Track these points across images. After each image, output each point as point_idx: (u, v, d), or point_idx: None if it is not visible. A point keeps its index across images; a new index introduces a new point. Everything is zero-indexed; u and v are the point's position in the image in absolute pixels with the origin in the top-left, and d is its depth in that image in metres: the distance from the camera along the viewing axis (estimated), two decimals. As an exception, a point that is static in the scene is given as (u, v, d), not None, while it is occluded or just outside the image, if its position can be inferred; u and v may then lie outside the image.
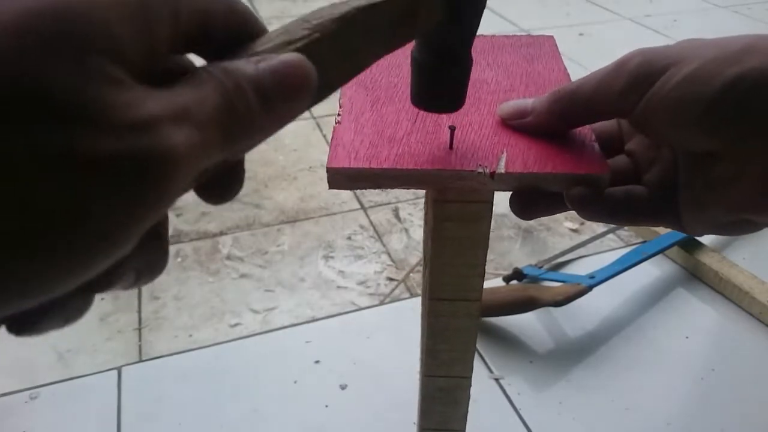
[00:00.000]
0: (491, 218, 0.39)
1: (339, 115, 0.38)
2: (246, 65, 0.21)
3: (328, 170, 0.34)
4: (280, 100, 0.21)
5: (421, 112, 0.38)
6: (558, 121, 0.36)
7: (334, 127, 0.37)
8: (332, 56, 0.24)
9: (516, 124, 0.37)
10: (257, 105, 0.20)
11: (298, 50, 0.22)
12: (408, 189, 0.36)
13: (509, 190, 0.35)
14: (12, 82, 0.15)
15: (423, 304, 0.47)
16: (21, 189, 0.15)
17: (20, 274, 0.16)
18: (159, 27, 0.19)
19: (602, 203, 0.35)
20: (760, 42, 0.30)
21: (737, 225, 0.34)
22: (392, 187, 0.36)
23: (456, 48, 0.33)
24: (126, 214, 0.17)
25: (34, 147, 0.15)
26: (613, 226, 1.05)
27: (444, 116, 0.38)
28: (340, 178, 0.35)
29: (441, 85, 0.34)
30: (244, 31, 0.23)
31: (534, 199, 0.36)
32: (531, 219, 0.40)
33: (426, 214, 0.43)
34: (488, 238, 0.40)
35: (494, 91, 0.41)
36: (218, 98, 0.19)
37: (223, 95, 0.20)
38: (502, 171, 0.34)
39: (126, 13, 0.18)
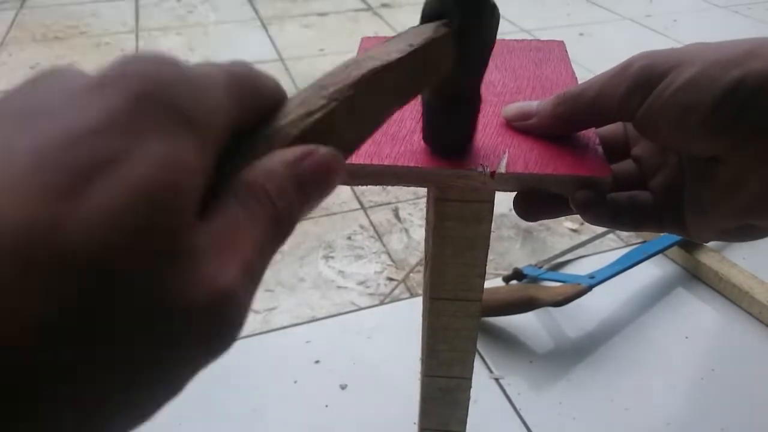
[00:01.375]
0: (492, 218, 0.39)
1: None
2: (286, 170, 0.20)
3: None
4: (315, 196, 0.21)
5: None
6: (561, 123, 0.36)
7: None
8: (350, 121, 0.24)
9: (520, 126, 0.37)
10: (298, 208, 0.21)
11: (318, 122, 0.23)
12: (409, 186, 0.36)
13: (510, 191, 0.35)
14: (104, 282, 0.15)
15: (423, 304, 0.47)
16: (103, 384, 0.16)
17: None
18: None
19: (605, 207, 0.34)
20: (762, 46, 0.30)
21: (742, 230, 0.33)
22: (393, 185, 0.36)
23: (466, 93, 0.34)
24: (193, 369, 0.18)
25: (114, 357, 0.15)
26: (613, 226, 1.05)
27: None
28: None
29: (449, 125, 0.35)
30: (271, 107, 0.23)
31: (538, 201, 0.35)
32: (535, 221, 0.40)
33: (427, 213, 0.43)
34: (489, 239, 0.40)
35: (500, 92, 0.41)
36: (271, 228, 0.19)
37: (274, 220, 0.19)
38: (503, 171, 0.34)
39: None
